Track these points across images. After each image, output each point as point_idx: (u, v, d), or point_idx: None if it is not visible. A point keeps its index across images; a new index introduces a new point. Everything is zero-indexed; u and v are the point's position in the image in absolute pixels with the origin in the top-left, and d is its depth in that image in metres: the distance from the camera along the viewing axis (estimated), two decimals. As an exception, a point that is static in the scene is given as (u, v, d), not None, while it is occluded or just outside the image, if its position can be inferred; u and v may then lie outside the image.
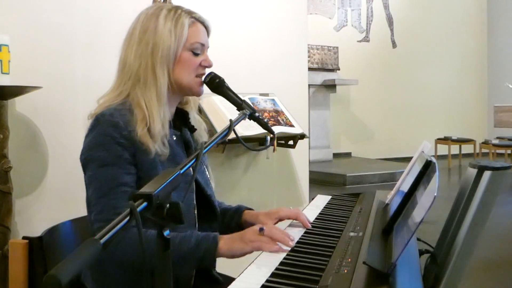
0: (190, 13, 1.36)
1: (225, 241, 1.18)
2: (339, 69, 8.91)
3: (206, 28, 1.39)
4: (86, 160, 1.26)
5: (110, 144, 1.24)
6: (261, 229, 1.19)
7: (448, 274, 0.95)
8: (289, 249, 1.15)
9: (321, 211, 1.55)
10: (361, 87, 9.16)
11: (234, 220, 1.48)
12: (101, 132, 1.25)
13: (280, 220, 1.42)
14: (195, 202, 1.38)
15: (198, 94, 1.39)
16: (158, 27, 1.31)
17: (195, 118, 1.48)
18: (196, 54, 1.35)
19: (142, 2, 1.42)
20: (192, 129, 1.45)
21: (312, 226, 1.36)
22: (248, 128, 2.31)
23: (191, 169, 0.98)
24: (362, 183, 6.94)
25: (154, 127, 1.27)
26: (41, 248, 1.28)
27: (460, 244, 0.95)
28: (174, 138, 1.37)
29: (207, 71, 1.38)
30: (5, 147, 1.93)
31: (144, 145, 1.25)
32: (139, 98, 1.30)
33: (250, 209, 1.51)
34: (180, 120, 1.44)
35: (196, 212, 1.39)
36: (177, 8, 1.36)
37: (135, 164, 1.26)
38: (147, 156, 1.26)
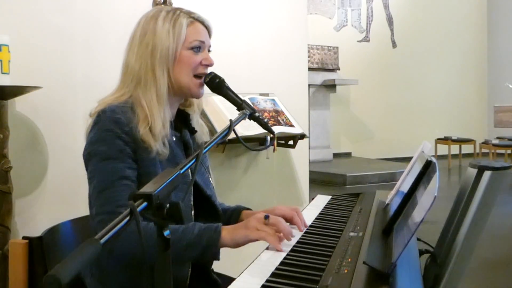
0: (189, 14, 1.36)
1: (228, 231, 1.19)
2: (339, 69, 8.91)
3: (207, 27, 1.39)
4: (89, 155, 1.27)
5: (112, 139, 1.25)
6: (266, 217, 1.19)
7: (448, 274, 0.95)
8: (290, 249, 1.15)
9: (321, 211, 1.55)
10: (361, 87, 9.16)
11: (232, 220, 1.48)
12: (103, 128, 1.26)
13: None
14: (192, 203, 1.38)
15: (198, 96, 1.39)
16: (156, 29, 1.32)
17: (197, 121, 1.48)
18: (196, 53, 1.35)
19: (141, 3, 1.42)
20: (193, 131, 1.46)
21: (312, 226, 1.36)
22: (248, 128, 2.31)
23: (189, 170, 0.98)
24: (362, 183, 6.94)
25: (155, 127, 1.28)
26: (41, 248, 1.28)
27: (460, 244, 0.95)
28: (174, 139, 1.38)
29: (208, 70, 1.38)
30: (5, 147, 1.93)
31: (145, 143, 1.26)
32: (140, 98, 1.31)
33: (249, 209, 1.51)
34: (181, 121, 1.45)
35: (193, 212, 1.39)
36: (176, 9, 1.37)
37: (136, 160, 1.27)
38: (148, 154, 1.27)
